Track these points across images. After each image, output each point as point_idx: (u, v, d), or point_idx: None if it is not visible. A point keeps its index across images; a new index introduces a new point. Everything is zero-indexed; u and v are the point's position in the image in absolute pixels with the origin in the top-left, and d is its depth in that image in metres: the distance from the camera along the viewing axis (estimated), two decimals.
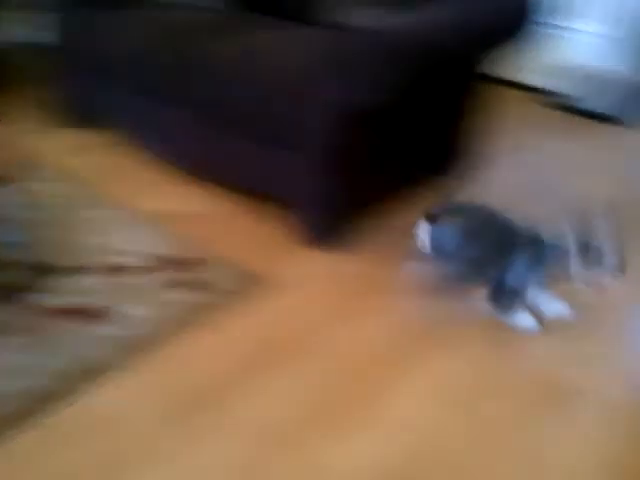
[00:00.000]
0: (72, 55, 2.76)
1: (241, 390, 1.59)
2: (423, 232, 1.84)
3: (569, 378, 1.68)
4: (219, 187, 2.45)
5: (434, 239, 1.83)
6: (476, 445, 1.47)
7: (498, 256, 1.77)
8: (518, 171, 2.71)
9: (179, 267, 1.99)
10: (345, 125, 1.95)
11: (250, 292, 1.93)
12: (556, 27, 3.27)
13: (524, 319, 1.84)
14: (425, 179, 2.49)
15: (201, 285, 1.92)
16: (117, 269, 1.97)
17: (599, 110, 3.21)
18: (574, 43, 3.28)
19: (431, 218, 1.83)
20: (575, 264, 1.67)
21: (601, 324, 1.88)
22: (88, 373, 1.59)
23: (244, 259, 2.06)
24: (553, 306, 1.87)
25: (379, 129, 2.11)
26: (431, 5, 2.09)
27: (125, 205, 2.31)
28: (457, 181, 2.56)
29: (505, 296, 1.82)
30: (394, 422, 1.52)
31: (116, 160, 2.65)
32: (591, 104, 3.24)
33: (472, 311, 1.88)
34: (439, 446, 1.47)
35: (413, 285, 1.96)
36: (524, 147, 2.93)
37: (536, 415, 1.56)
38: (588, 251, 1.66)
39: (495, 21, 2.25)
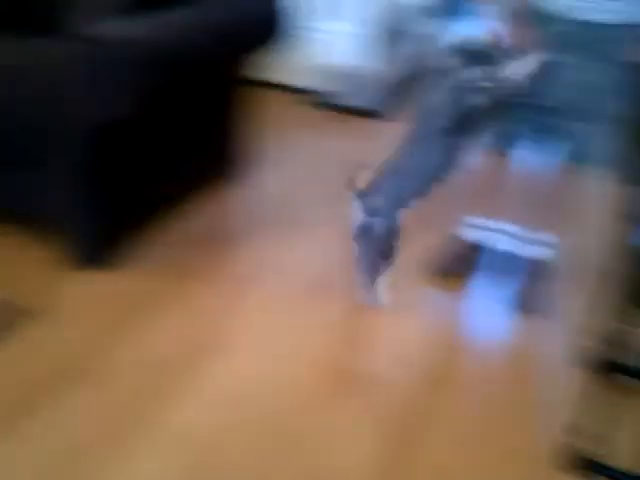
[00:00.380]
0: None
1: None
2: (355, 211, 1.82)
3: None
4: None
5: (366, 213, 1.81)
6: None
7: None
8: (294, 169, 2.76)
9: None
10: (95, 139, 1.87)
11: (15, 325, 1.81)
12: (312, 29, 3.35)
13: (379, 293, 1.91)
14: (203, 186, 2.49)
15: None
16: None
17: (360, 105, 3.34)
18: (331, 43, 3.39)
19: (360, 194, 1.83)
20: None
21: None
22: None
23: (5, 290, 1.93)
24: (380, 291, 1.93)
25: (137, 140, 2.03)
26: (176, 12, 2.05)
27: None
28: (236, 185, 2.58)
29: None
30: (175, 435, 1.52)
31: None
32: (352, 100, 3.35)
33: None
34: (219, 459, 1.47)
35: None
36: (295, 146, 2.99)
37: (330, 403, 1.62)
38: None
39: (244, 26, 2.26)
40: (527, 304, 1.95)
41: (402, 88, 3.36)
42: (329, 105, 3.42)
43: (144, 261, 2.10)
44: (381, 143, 2.99)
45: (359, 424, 1.58)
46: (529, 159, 2.12)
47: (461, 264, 2.10)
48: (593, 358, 1.54)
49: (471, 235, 2.17)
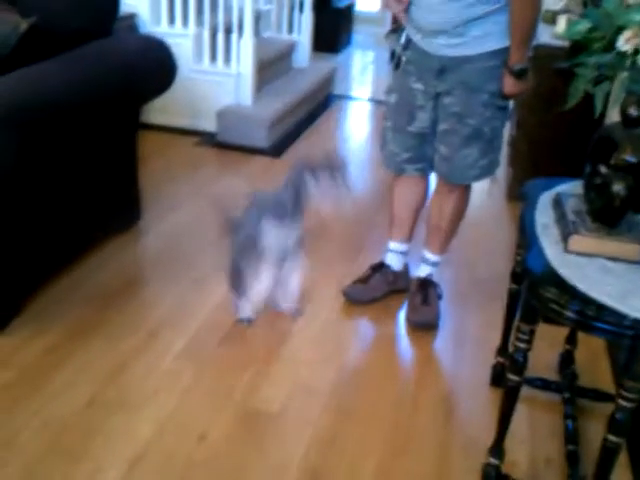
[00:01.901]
0: None
1: None
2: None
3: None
4: None
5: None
6: None
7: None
8: (189, 211, 2.78)
9: None
10: None
11: None
12: (199, 71, 3.48)
13: (244, 308, 2.06)
14: (100, 236, 2.45)
15: None
16: None
17: (247, 143, 3.42)
18: (217, 84, 3.51)
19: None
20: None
21: None
22: None
23: None
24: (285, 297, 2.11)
25: (23, 197, 1.94)
26: (52, 63, 2.02)
27: None
28: (133, 231, 2.58)
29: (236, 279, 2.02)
30: None
31: None
32: (238, 138, 3.44)
33: None
34: None
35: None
36: (190, 186, 3.03)
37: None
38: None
39: (137, 73, 2.25)
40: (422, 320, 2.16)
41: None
42: (216, 144, 3.50)
43: (41, 322, 2.04)
44: (269, 179, 3.09)
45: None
46: None
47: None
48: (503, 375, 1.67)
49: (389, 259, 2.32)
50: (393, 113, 2.05)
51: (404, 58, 1.94)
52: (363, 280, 2.26)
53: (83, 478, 1.56)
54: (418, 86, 1.94)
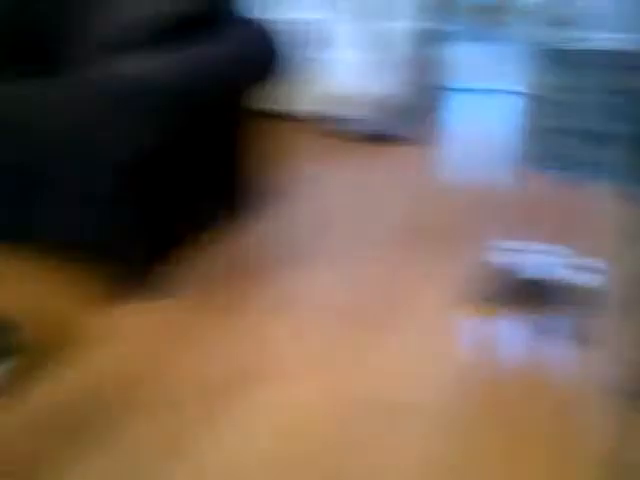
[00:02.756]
0: None
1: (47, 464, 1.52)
2: None
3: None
4: (10, 247, 2.31)
5: None
6: None
7: None
8: (311, 202, 2.72)
9: None
10: (127, 170, 1.93)
11: (54, 355, 1.85)
12: (320, 58, 3.34)
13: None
14: (221, 219, 2.51)
15: (11, 352, 1.82)
16: None
17: (375, 131, 3.31)
18: (340, 71, 3.36)
19: None
20: None
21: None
22: None
23: (56, 320, 1.98)
24: None
25: (158, 174, 2.07)
26: (187, 48, 2.07)
27: None
28: (251, 218, 2.58)
29: None
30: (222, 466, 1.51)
31: None
32: (366, 126, 3.32)
33: None
34: None
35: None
36: (313, 177, 2.96)
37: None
38: None
39: (255, 59, 2.31)
40: (577, 334, 1.87)
41: (415, 111, 3.33)
42: (343, 133, 3.40)
43: (178, 292, 2.13)
44: (400, 169, 2.99)
45: (409, 458, 1.52)
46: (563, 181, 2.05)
47: (496, 291, 2.04)
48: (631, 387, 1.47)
49: (505, 260, 2.10)
50: None
51: None
52: None
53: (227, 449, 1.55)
54: None
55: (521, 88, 4.33)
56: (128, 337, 1.93)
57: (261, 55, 2.35)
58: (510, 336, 1.89)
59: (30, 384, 1.76)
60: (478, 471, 1.49)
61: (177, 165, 2.16)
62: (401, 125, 3.33)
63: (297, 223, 2.57)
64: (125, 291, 2.10)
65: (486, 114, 4.12)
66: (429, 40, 3.49)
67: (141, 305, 2.06)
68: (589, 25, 2.12)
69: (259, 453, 1.54)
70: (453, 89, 4.20)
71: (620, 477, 1.38)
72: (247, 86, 2.36)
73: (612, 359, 1.77)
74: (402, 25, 3.25)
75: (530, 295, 1.96)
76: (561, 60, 2.27)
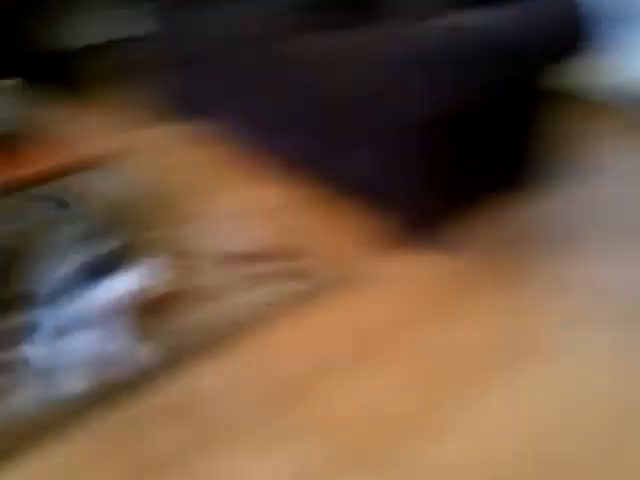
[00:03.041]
0: (168, 48, 2.97)
1: (324, 387, 1.62)
2: None
3: None
4: (315, 181, 2.46)
5: None
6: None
7: None
8: (598, 189, 2.56)
9: (274, 258, 2.11)
10: (431, 126, 1.96)
11: (339, 287, 1.98)
12: (623, 36, 3.01)
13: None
14: (501, 190, 2.45)
15: (294, 277, 2.02)
16: (219, 256, 2.12)
17: None
18: None
19: None
20: None
21: None
22: (191, 353, 1.72)
23: (334, 255, 2.12)
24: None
25: (462, 132, 2.11)
26: (503, 10, 2.09)
27: (218, 197, 2.44)
28: (533, 195, 2.48)
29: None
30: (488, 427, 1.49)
31: (210, 152, 2.77)
32: None
33: None
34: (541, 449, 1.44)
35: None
36: (603, 164, 2.74)
37: None
38: None
39: (560, 30, 2.24)
40: None
41: None
42: None
43: (453, 251, 2.14)
44: None
45: None
46: None
47: None
48: None
49: None
50: None
51: None
52: None
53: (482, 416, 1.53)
54: None
55: None
56: (392, 284, 1.98)
57: (566, 28, 2.25)
58: None
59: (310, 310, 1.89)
60: None
61: (475, 127, 2.15)
62: None
63: (579, 207, 2.44)
64: (405, 241, 2.15)
65: None
66: None
67: (416, 256, 2.11)
68: None
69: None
70: None
71: None
72: (550, 60, 2.25)
73: None
74: None
75: None
76: None
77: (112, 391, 1.63)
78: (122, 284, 1.43)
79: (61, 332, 1.46)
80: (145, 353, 1.70)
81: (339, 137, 2.26)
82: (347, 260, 2.14)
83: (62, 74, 3.10)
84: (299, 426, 1.53)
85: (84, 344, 1.52)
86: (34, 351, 1.47)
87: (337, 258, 2.15)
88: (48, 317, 1.44)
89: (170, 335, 1.81)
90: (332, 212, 2.39)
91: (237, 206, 2.45)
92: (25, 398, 1.59)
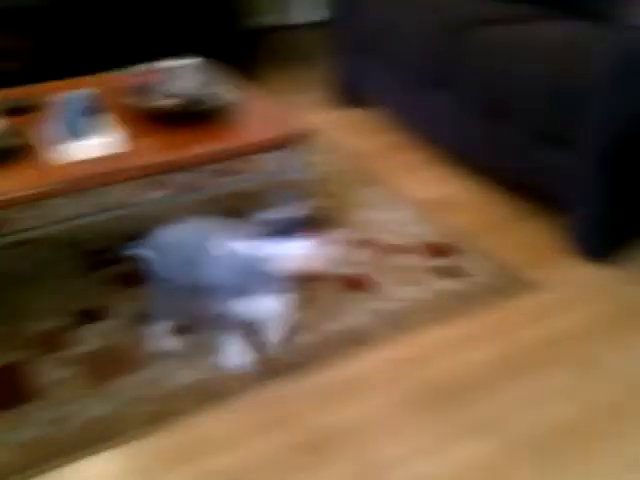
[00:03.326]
0: (343, 34, 3.04)
1: (485, 390, 1.64)
2: None
3: None
4: (483, 176, 2.50)
5: None
6: None
7: None
8: None
9: (439, 253, 2.13)
10: (632, 133, 1.91)
11: (506, 289, 1.98)
12: None
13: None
14: None
15: (459, 274, 2.04)
16: (382, 247, 2.16)
17: None
18: None
19: None
20: None
21: None
22: (352, 340, 1.79)
23: (502, 254, 2.11)
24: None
25: None
26: None
27: (390, 185, 2.50)
28: None
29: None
30: None
31: (384, 140, 2.84)
32: None
33: None
34: None
35: None
36: None
37: None
38: None
39: None
40: None
41: None
42: None
43: (628, 266, 2.09)
44: None
45: None
46: None
47: None
48: None
49: None
50: None
51: None
52: None
53: None
54: None
55: None
56: (574, 292, 1.97)
57: None
58: None
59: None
60: None
61: None
62: None
63: None
64: (574, 246, 2.12)
65: None
66: None
67: (599, 268, 2.06)
68: None
69: None
70: None
71: None
72: None
73: None
74: None
75: None
76: None
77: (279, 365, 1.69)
78: (301, 250, 1.47)
79: (246, 289, 1.54)
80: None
81: (530, 133, 2.17)
82: (512, 260, 2.10)
83: (241, 54, 3.20)
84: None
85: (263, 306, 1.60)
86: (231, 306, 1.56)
87: (501, 257, 2.11)
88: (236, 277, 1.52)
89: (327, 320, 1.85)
90: (503, 210, 2.36)
91: (404, 196, 2.44)
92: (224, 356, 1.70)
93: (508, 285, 2.01)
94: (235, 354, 1.70)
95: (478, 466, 1.45)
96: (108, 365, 1.69)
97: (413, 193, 2.47)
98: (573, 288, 2.00)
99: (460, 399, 1.62)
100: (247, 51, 3.28)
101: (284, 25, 4.07)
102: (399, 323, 1.85)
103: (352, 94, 3.13)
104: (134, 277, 1.98)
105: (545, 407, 1.60)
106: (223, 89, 1.95)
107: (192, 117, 1.85)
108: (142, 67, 1.98)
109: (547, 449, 1.49)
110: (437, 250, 2.15)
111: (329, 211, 2.30)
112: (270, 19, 4.00)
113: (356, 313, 1.88)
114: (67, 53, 2.70)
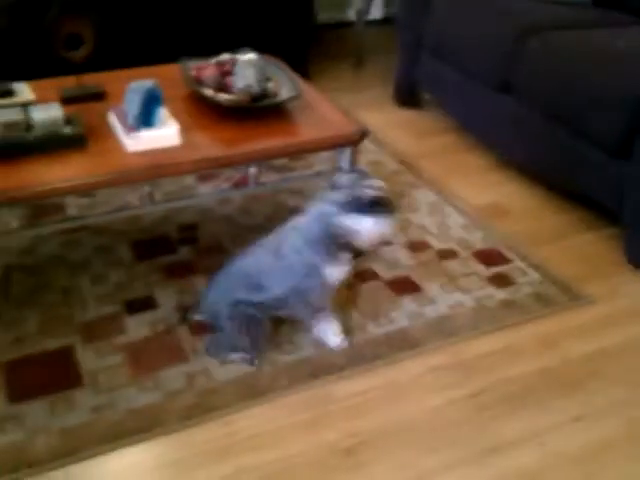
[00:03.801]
0: (406, 34, 3.01)
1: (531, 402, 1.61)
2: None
3: None
4: (540, 184, 2.47)
5: None
6: None
7: None
8: None
9: (489, 261, 2.10)
10: None
11: (557, 301, 1.94)
12: None
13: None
14: None
15: (509, 284, 2.00)
16: (431, 250, 2.15)
17: None
18: None
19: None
20: None
21: None
22: (396, 345, 1.78)
23: (555, 265, 2.08)
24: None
25: None
26: None
27: (444, 188, 2.47)
28: None
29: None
30: None
31: (441, 142, 2.82)
32: None
33: None
34: None
35: None
36: None
37: None
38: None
39: None
40: None
41: None
42: None
43: None
44: None
45: None
46: None
47: None
48: None
49: None
50: None
51: None
52: None
53: None
54: None
55: None
56: (617, 305, 1.94)
57: None
58: None
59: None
60: None
61: None
62: None
63: None
64: (629, 260, 2.08)
65: None
66: None
67: (637, 283, 2.03)
68: None
69: None
70: None
71: None
72: None
73: None
74: None
75: None
76: None
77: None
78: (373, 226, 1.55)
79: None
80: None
81: (593, 143, 2.13)
82: (566, 272, 2.05)
83: (300, 50, 3.19)
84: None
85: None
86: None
87: (555, 270, 2.06)
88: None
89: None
90: (559, 220, 2.31)
91: (457, 200, 2.41)
92: None
93: (559, 297, 1.96)
94: (331, 333, 1.74)
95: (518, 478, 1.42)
96: (152, 356, 1.71)
97: (467, 198, 2.43)
98: (627, 302, 1.94)
99: (503, 411, 1.59)
100: (306, 48, 3.27)
101: (343, 22, 4.05)
102: (445, 329, 1.83)
103: (411, 95, 3.09)
104: (180, 269, 2.00)
105: (590, 422, 1.56)
106: (283, 86, 1.94)
107: (252, 112, 1.85)
108: (204, 60, 1.99)
109: (589, 464, 1.45)
110: (487, 257, 2.11)
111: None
112: (328, 16, 3.98)
113: (401, 317, 1.86)
114: (131, 42, 2.74)
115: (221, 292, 1.74)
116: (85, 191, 1.90)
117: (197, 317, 1.80)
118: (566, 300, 1.95)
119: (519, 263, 2.09)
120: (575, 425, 1.56)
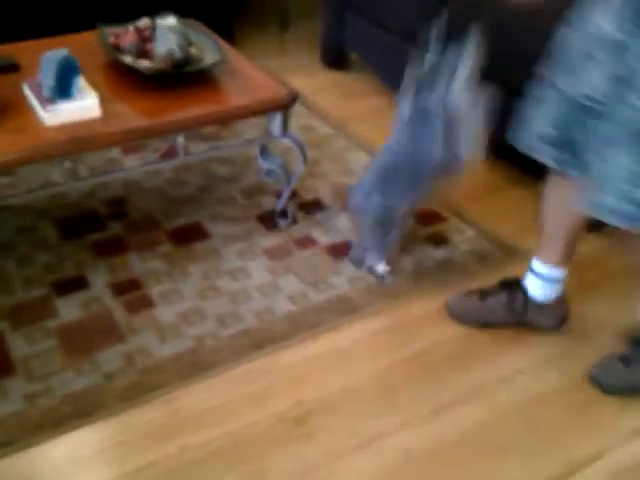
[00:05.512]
0: None
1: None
2: None
3: None
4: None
5: None
6: None
7: None
8: None
9: (427, 220, 2.09)
10: None
11: (493, 257, 1.95)
12: None
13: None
14: None
15: (445, 243, 2.01)
16: None
17: None
18: None
19: None
20: None
21: None
22: (338, 310, 1.76)
23: (488, 222, 2.08)
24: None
25: None
26: None
27: (377, 150, 2.29)
28: None
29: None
30: None
31: (370, 104, 2.77)
32: None
33: None
34: None
35: None
36: None
37: None
38: None
39: None
40: None
41: None
42: None
43: None
44: None
45: None
46: None
47: None
48: None
49: None
50: None
51: None
52: (481, 293, 1.76)
53: None
54: None
55: None
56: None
57: None
58: None
59: None
60: None
61: None
62: None
63: None
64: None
65: None
66: None
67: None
68: None
69: None
70: None
71: None
72: None
73: None
74: None
75: None
76: None
77: None
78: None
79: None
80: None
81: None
82: (501, 230, 2.05)
83: (222, 14, 3.09)
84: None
85: None
86: None
87: (489, 227, 2.07)
88: None
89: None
90: (490, 177, 2.31)
91: None
92: None
93: (496, 252, 1.97)
94: (381, 265, 1.85)
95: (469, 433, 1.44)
96: (87, 337, 1.64)
97: None
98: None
99: (448, 369, 1.60)
100: (230, 12, 3.18)
101: None
102: (386, 292, 1.82)
103: (338, 56, 3.04)
104: (110, 246, 1.93)
105: (530, 376, 1.59)
106: (207, 51, 1.87)
107: (175, 79, 1.78)
108: (122, 26, 1.89)
109: (533, 416, 1.49)
110: (424, 217, 2.11)
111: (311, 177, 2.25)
112: None
113: (342, 282, 1.84)
114: (42, 9, 2.60)
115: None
116: (2, 169, 1.80)
117: None
118: (503, 255, 1.96)
119: (455, 222, 2.09)
120: (519, 377, 1.58)
